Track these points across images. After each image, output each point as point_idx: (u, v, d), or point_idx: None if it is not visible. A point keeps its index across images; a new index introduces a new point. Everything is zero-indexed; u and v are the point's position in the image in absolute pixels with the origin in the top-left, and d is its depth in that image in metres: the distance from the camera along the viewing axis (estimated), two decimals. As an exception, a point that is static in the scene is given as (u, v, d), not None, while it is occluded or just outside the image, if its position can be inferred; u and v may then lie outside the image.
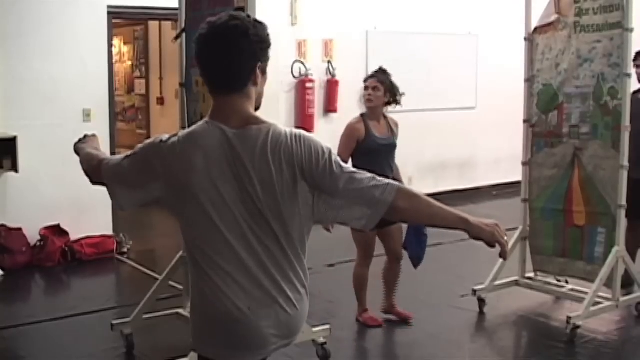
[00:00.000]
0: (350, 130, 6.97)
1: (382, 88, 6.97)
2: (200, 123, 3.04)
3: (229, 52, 2.95)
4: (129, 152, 3.11)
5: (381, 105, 7.00)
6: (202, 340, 3.06)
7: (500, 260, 7.03)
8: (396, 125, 7.17)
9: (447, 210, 2.98)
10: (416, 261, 7.14)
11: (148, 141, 3.10)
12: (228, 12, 3.11)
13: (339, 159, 2.97)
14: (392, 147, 7.04)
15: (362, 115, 7.03)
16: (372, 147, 6.83)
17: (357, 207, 2.93)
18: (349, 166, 2.98)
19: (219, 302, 2.93)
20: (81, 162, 3.42)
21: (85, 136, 3.70)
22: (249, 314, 2.92)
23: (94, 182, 3.34)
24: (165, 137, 3.03)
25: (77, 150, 3.56)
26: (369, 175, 2.94)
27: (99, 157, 3.29)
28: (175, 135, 3.03)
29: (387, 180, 2.94)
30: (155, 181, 2.98)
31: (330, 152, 2.97)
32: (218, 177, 2.90)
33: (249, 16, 3.08)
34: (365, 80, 7.18)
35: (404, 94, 7.14)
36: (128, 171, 3.07)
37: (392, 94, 7.02)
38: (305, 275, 3.06)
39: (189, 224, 2.99)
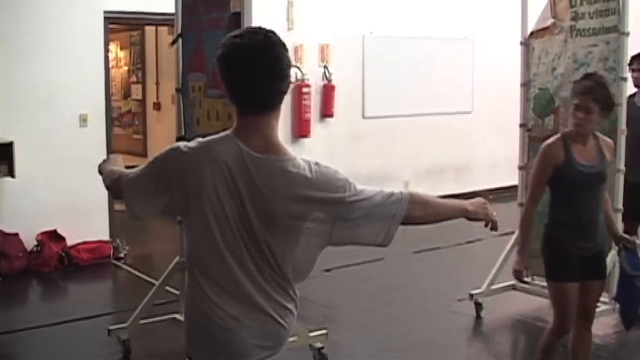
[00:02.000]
0: (545, 153, 5.25)
1: (596, 108, 5.10)
2: (221, 135, 3.06)
3: (269, 72, 2.93)
4: (147, 162, 3.11)
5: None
6: (193, 347, 3.09)
7: (498, 264, 7.05)
8: (610, 148, 5.48)
9: (450, 205, 3.33)
10: (628, 321, 5.57)
11: (167, 148, 3.08)
12: (251, 28, 3.05)
13: (356, 185, 3.00)
14: (601, 177, 5.30)
15: (562, 134, 5.33)
16: (572, 177, 5.15)
17: (375, 225, 3.03)
18: (364, 188, 3.01)
19: (210, 311, 2.96)
20: (103, 179, 3.41)
21: (109, 156, 3.72)
22: (236, 324, 2.95)
23: (115, 197, 3.34)
24: (183, 145, 3.04)
25: (100, 169, 3.55)
26: (381, 190, 3.02)
27: (119, 172, 3.29)
28: (193, 142, 3.04)
29: (398, 191, 3.04)
30: (170, 188, 2.98)
31: (348, 184, 3.00)
32: (224, 191, 2.91)
33: (274, 33, 3.03)
34: (574, 94, 5.26)
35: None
36: (146, 179, 3.07)
37: (609, 111, 5.32)
38: (295, 292, 3.08)
39: (191, 232, 3.01)
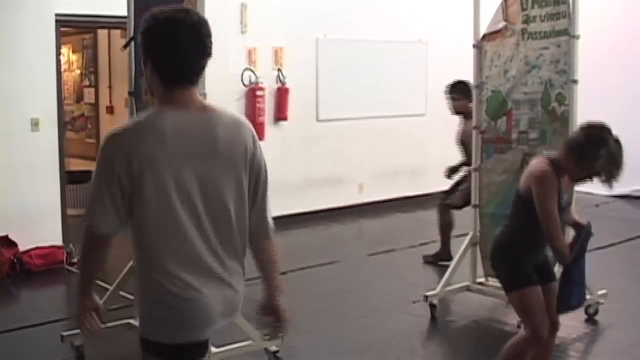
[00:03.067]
0: (549, 180, 5.06)
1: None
2: (150, 112, 3.10)
3: (201, 47, 3.05)
4: (95, 182, 3.05)
5: None
6: (153, 325, 3.13)
7: (452, 265, 7.09)
8: None
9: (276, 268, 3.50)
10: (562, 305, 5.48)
11: (101, 147, 3.06)
12: (179, 5, 3.25)
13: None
14: (569, 206, 5.47)
15: (551, 162, 5.15)
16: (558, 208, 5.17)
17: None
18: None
19: (172, 286, 3.00)
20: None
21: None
22: (199, 295, 3.03)
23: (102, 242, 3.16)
24: (114, 131, 3.05)
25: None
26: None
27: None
28: (124, 125, 3.08)
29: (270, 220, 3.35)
30: (123, 175, 2.96)
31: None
32: (180, 156, 2.97)
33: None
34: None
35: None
36: (106, 190, 3.00)
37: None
38: (244, 255, 3.24)
39: (145, 214, 3.00)
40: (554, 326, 5.36)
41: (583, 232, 5.39)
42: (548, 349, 5.38)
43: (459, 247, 7.60)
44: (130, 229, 3.10)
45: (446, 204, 9.41)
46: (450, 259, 8.57)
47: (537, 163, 5.21)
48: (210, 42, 3.07)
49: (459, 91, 9.10)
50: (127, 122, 3.16)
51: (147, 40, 3.05)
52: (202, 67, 3.11)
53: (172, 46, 2.99)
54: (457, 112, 9.25)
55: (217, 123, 3.12)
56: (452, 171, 9.54)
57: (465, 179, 8.87)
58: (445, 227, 9.36)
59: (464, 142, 8.79)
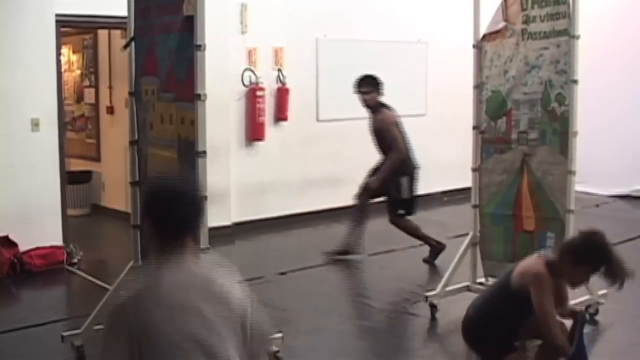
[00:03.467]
0: (546, 281, 5.17)
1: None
2: (149, 275, 3.39)
3: (196, 210, 3.41)
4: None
5: None
6: None
7: (452, 266, 7.10)
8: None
9: None
10: None
11: (107, 318, 3.38)
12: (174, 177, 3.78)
13: None
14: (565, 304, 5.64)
15: (547, 263, 5.25)
16: None
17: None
18: None
19: None
20: None
21: None
22: None
23: None
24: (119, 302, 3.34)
25: None
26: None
27: None
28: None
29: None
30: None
31: None
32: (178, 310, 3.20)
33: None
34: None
35: None
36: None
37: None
38: None
39: None
40: None
41: (578, 320, 5.45)
42: None
43: (459, 247, 7.59)
44: None
45: (398, 214, 9.46)
46: (442, 247, 9.18)
47: (532, 262, 5.32)
48: (203, 207, 3.50)
49: (368, 85, 9.41)
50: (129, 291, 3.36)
51: (147, 203, 3.46)
52: (198, 225, 3.41)
53: (168, 212, 3.29)
54: (368, 106, 9.51)
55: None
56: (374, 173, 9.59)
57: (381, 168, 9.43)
58: (413, 231, 9.51)
59: (377, 131, 9.43)
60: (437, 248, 9.27)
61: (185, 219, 3.32)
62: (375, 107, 9.48)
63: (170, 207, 3.29)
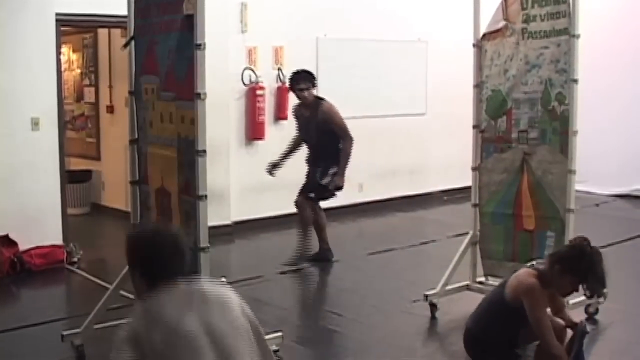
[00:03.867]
0: (538, 292, 5.30)
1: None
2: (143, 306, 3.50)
3: (181, 257, 3.49)
4: None
5: None
6: None
7: (452, 265, 7.10)
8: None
9: None
10: None
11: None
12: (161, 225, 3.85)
13: None
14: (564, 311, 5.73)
15: (539, 273, 5.39)
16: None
17: None
18: None
19: None
20: None
21: None
22: None
23: None
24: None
25: None
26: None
27: None
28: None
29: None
30: None
31: None
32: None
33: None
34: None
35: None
36: None
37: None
38: None
39: None
40: None
41: (578, 332, 5.49)
42: None
43: (459, 246, 7.59)
44: None
45: (308, 197, 9.49)
46: (330, 257, 9.22)
47: (524, 275, 5.40)
48: (188, 253, 3.55)
49: (306, 81, 9.34)
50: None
51: (133, 253, 3.52)
52: (184, 271, 3.44)
53: (155, 260, 3.41)
54: (305, 103, 9.40)
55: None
56: (274, 166, 9.73)
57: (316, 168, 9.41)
58: (313, 224, 9.44)
59: (324, 123, 9.27)
60: (324, 255, 9.31)
61: (170, 265, 3.40)
62: (314, 102, 9.38)
63: (155, 256, 3.41)
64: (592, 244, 5.41)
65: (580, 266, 5.23)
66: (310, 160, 9.50)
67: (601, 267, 5.29)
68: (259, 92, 11.23)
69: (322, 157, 9.31)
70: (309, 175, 9.48)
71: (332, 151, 9.27)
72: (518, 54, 7.13)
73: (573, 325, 5.56)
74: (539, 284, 5.27)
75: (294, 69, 9.51)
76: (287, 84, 9.53)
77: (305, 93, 9.31)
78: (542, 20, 6.91)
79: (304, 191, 9.46)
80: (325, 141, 9.26)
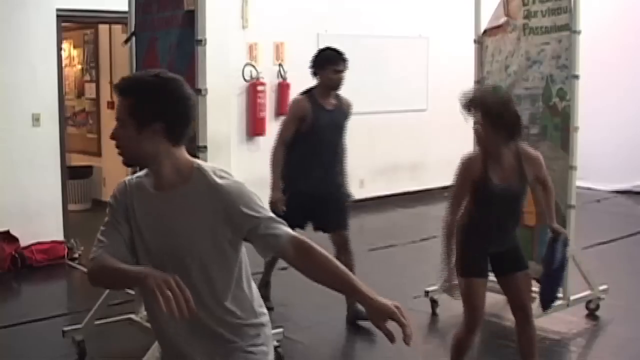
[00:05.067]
0: (463, 168, 5.38)
1: (486, 124, 5.24)
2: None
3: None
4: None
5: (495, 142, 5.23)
6: None
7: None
8: (534, 162, 5.31)
9: (344, 275, 3.11)
10: (545, 302, 5.79)
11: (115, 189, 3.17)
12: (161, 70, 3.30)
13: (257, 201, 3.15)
14: (517, 197, 5.32)
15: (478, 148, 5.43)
16: (488, 195, 5.19)
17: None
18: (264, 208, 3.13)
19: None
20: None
21: None
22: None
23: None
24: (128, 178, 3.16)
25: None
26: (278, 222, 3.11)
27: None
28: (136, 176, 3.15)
29: (284, 230, 3.07)
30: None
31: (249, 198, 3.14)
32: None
33: None
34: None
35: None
36: (112, 228, 3.09)
37: (500, 128, 5.16)
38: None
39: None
40: (525, 313, 5.34)
41: (560, 239, 5.54)
42: (525, 337, 5.37)
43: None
44: None
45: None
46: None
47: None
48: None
49: (345, 62, 7.65)
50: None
51: (158, 101, 3.00)
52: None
53: (187, 107, 3.05)
54: (337, 88, 7.48)
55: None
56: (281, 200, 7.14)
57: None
58: None
59: (344, 120, 7.65)
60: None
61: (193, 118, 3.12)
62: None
63: (188, 105, 3.06)
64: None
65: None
66: (325, 169, 7.19)
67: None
68: (259, 88, 11.24)
69: (340, 164, 7.40)
70: (330, 192, 7.20)
71: (344, 154, 7.55)
72: (519, 50, 7.13)
73: (555, 230, 5.59)
74: (479, 154, 5.25)
75: (322, 48, 7.89)
76: (316, 63, 7.45)
77: (342, 76, 7.51)
78: (543, 16, 6.91)
79: (339, 218, 7.26)
80: (343, 142, 7.58)
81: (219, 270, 3.05)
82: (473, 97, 5.26)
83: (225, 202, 3.01)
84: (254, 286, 3.27)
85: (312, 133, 7.08)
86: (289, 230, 3.07)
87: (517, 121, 5.14)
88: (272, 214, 3.12)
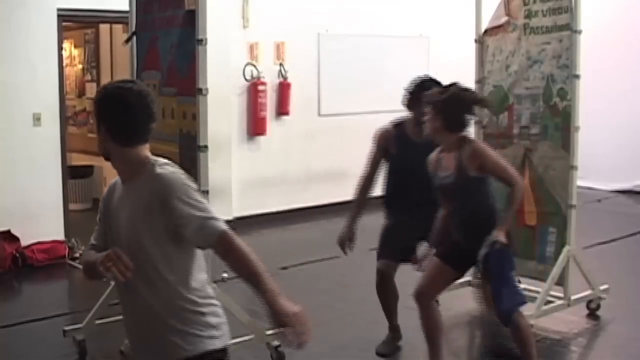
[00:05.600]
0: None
1: (439, 124, 5.41)
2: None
3: (148, 111, 3.42)
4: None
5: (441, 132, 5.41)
6: None
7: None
8: (475, 157, 5.35)
9: (258, 276, 3.23)
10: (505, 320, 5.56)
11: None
12: (126, 79, 3.84)
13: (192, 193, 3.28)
14: (454, 188, 5.43)
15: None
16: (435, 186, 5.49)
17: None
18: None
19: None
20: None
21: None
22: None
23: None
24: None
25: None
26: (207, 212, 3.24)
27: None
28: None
29: (215, 226, 3.22)
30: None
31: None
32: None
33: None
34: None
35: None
36: (99, 223, 3.61)
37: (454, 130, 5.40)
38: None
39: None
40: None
41: (494, 249, 5.39)
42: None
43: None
44: None
45: None
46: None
47: None
48: (155, 108, 3.41)
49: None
50: None
51: (101, 108, 3.43)
52: (150, 129, 3.39)
53: (124, 112, 3.35)
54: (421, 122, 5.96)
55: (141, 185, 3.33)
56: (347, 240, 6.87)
57: None
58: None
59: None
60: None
61: (138, 122, 3.37)
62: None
63: (126, 111, 3.35)
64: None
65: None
66: (417, 206, 6.20)
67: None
68: (260, 87, 11.23)
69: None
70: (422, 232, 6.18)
71: None
72: (520, 50, 7.13)
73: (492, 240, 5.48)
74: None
75: (418, 76, 7.10)
76: (411, 96, 6.71)
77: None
78: (544, 15, 6.91)
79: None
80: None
81: (162, 259, 3.26)
82: (426, 94, 5.69)
83: (160, 191, 3.23)
84: (203, 277, 3.42)
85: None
86: (220, 225, 3.24)
87: (457, 116, 5.43)
88: (206, 208, 3.26)
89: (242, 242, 3.25)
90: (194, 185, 3.34)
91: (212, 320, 3.38)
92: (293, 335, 3.17)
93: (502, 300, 5.43)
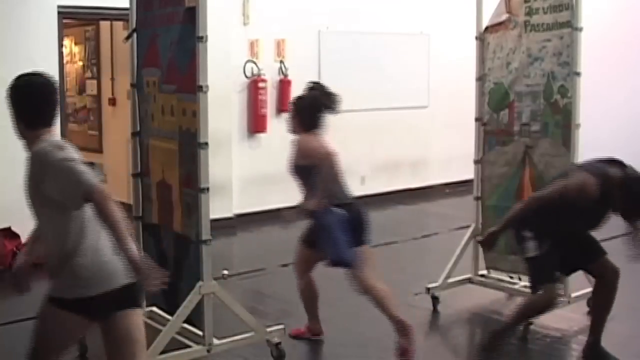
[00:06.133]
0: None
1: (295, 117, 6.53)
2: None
3: (52, 98, 4.55)
4: None
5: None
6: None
7: (454, 258, 7.05)
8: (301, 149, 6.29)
9: (120, 233, 3.80)
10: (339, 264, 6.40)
11: None
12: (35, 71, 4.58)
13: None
14: (293, 172, 6.63)
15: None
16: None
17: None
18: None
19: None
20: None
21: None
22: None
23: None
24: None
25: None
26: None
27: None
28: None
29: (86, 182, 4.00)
30: None
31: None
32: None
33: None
34: None
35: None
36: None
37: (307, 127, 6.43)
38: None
39: None
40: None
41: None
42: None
43: (461, 239, 7.59)
44: None
45: None
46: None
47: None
48: (58, 97, 4.39)
49: None
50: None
51: (11, 98, 4.35)
52: (54, 114, 4.32)
53: (30, 100, 4.34)
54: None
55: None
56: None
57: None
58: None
59: None
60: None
61: (42, 108, 4.34)
62: None
63: (31, 99, 4.31)
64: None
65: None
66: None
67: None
68: (261, 84, 11.23)
69: None
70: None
71: None
72: (520, 47, 7.13)
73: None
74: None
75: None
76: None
77: None
78: (545, 12, 6.91)
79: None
80: None
81: (53, 219, 4.33)
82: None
83: (39, 163, 4.13)
84: (100, 240, 4.17)
85: None
86: (90, 181, 3.99)
87: (306, 113, 6.37)
88: (79, 169, 4.04)
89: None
90: (70, 151, 4.10)
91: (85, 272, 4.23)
92: (145, 280, 3.71)
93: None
